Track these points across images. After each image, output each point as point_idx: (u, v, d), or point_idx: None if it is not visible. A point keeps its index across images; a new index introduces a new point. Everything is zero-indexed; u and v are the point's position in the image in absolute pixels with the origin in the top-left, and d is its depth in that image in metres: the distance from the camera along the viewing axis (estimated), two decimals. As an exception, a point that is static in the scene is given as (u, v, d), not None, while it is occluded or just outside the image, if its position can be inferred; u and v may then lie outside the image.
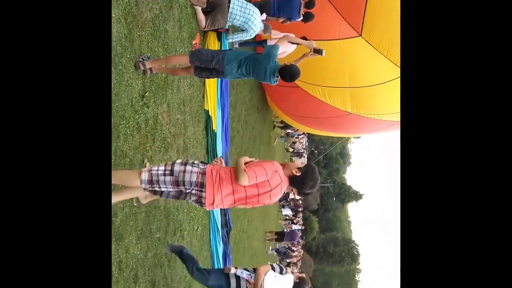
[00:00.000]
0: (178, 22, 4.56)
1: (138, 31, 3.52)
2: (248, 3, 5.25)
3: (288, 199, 23.20)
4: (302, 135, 26.95)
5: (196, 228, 5.24)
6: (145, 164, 3.50)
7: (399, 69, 5.91)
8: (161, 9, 4.04)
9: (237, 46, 6.92)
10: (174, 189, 2.63)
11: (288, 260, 18.85)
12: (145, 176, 2.58)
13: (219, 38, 6.02)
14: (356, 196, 66.93)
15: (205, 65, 3.86)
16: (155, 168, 2.62)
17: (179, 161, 2.65)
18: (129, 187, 2.77)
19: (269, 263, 4.08)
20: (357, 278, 69.35)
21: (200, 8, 5.04)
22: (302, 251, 23.26)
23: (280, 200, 20.61)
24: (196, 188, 2.56)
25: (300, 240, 19.86)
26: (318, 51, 3.92)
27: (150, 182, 2.58)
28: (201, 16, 5.13)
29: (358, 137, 52.98)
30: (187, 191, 2.61)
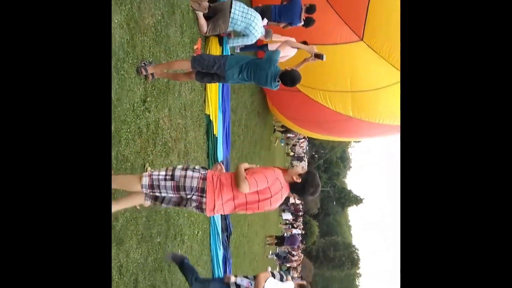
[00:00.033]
0: (180, 28, 4.59)
1: (140, 36, 3.54)
2: (250, 8, 5.28)
3: (289, 204, 23.18)
4: (303, 139, 26.97)
5: (196, 233, 5.24)
6: (146, 168, 3.51)
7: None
8: (163, 15, 4.06)
9: (238, 50, 6.95)
10: (174, 195, 2.63)
11: (288, 265, 18.81)
12: (145, 181, 2.59)
13: (221, 43, 6.05)
14: (357, 201, 66.79)
15: (206, 70, 3.89)
16: (156, 173, 2.62)
17: (180, 166, 2.66)
18: (129, 196, 2.77)
19: (269, 270, 4.08)
20: (357, 283, 69.10)
21: (202, 13, 5.07)
22: (302, 255, 23.20)
23: (280, 205, 20.65)
24: (196, 193, 2.57)
25: (300, 245, 19.83)
26: (319, 56, 3.94)
27: (151, 186, 2.59)
28: (203, 22, 5.16)
29: (358, 141, 53.00)
30: (188, 196, 2.61)
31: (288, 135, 21.44)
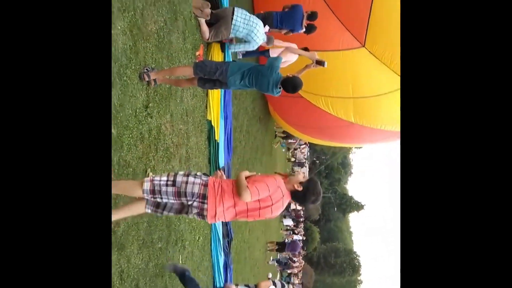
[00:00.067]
0: (182, 34, 4.62)
1: (143, 42, 3.57)
2: (252, 15, 5.31)
3: (290, 210, 23.13)
4: (304, 145, 26.98)
5: (197, 238, 5.24)
6: (148, 173, 3.53)
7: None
8: (166, 21, 4.09)
9: (240, 56, 6.99)
10: (175, 201, 2.63)
11: (289, 271, 18.73)
12: (147, 186, 2.59)
13: (223, 50, 6.08)
14: (358, 207, 66.62)
15: (208, 76, 3.91)
16: (158, 178, 2.63)
17: (181, 172, 2.67)
18: (130, 204, 2.78)
19: (271, 279, 4.07)
20: (358, 290, 68.73)
21: (204, 20, 5.11)
22: (303, 261, 23.11)
23: (281, 210, 20.60)
24: (198, 199, 2.57)
25: (301, 251, 19.76)
26: (320, 63, 3.96)
27: (152, 192, 2.60)
28: (205, 28, 5.19)
29: (359, 147, 52.95)
30: (189, 202, 2.61)
31: (289, 140, 21.46)
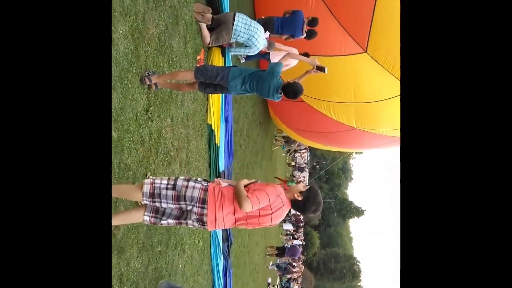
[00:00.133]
0: (183, 38, 4.65)
1: (144, 47, 3.60)
2: (252, 20, 5.34)
3: (289, 214, 23.10)
4: (304, 150, 26.99)
5: (197, 242, 5.24)
6: (148, 177, 3.53)
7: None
8: (167, 26, 4.12)
9: (243, 60, 7.01)
10: (174, 206, 2.62)
11: (288, 276, 18.69)
12: (147, 188, 2.59)
13: (223, 54, 6.11)
14: (358, 212, 66.54)
15: (209, 81, 3.93)
16: (158, 181, 2.63)
17: (182, 177, 2.68)
18: (128, 212, 2.77)
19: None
20: (358, 295, 68.44)
21: (205, 24, 5.14)
22: (303, 266, 23.05)
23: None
24: (197, 204, 2.56)
25: (301, 256, 19.71)
26: (320, 69, 3.98)
27: (152, 195, 2.59)
28: (206, 33, 5.22)
29: (360, 153, 52.93)
30: (188, 207, 2.59)
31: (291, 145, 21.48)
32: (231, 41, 5.37)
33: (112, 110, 3.00)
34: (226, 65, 6.00)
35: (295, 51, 6.46)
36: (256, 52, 5.68)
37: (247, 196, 2.52)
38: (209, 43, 5.34)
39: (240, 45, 5.70)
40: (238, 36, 5.23)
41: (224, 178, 5.65)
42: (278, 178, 12.78)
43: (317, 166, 49.76)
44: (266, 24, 6.15)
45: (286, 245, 17.45)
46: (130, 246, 3.23)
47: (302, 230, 27.36)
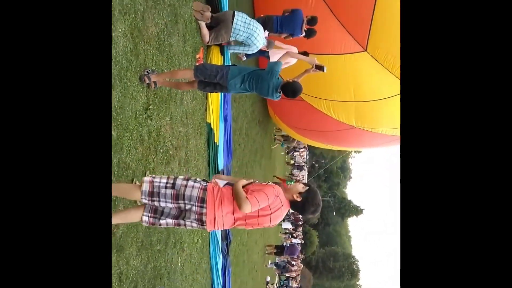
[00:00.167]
0: (183, 37, 4.64)
1: (143, 45, 3.59)
2: (252, 19, 5.34)
3: (288, 213, 23.11)
4: (303, 149, 27.01)
5: (196, 241, 5.24)
6: (147, 174, 3.53)
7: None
8: (166, 24, 4.12)
9: (244, 58, 6.99)
10: (173, 205, 2.61)
11: (287, 275, 18.71)
12: (146, 187, 2.59)
13: (222, 53, 6.11)
14: (357, 211, 66.63)
15: (209, 79, 3.93)
16: (157, 179, 2.63)
17: (181, 176, 2.68)
18: (127, 211, 2.77)
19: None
20: (356, 294, 68.58)
21: (204, 23, 5.13)
22: (302, 265, 23.08)
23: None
24: (196, 203, 2.56)
25: (300, 255, 19.74)
26: (319, 68, 3.97)
27: (151, 194, 2.59)
28: (205, 31, 5.22)
29: (359, 152, 53.01)
30: (187, 207, 2.59)
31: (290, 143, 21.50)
32: (230, 39, 5.36)
33: (112, 109, 3.00)
34: (225, 64, 6.00)
35: (294, 49, 6.46)
36: (255, 51, 5.68)
37: (246, 197, 2.51)
38: (208, 42, 5.33)
39: (239, 43, 5.70)
40: (237, 34, 5.22)
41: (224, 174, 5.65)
42: (277, 177, 12.78)
43: (316, 165, 49.78)
44: (265, 23, 6.15)
45: (285, 243, 17.47)
46: (130, 245, 3.23)
47: (301, 228, 27.39)
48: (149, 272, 3.61)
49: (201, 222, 2.59)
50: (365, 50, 7.11)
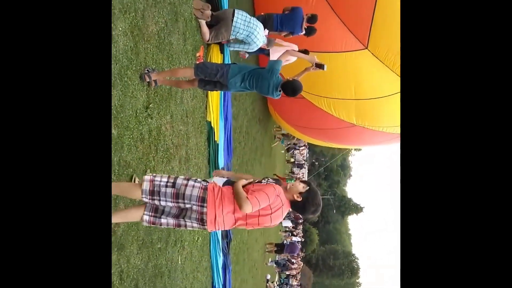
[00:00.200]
0: (183, 35, 4.64)
1: (143, 44, 3.59)
2: (252, 17, 5.33)
3: (289, 211, 23.13)
4: (303, 147, 27.00)
5: (196, 239, 5.25)
6: (147, 173, 3.53)
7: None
8: (167, 23, 4.11)
9: (247, 56, 6.97)
10: (173, 204, 2.61)
11: (287, 273, 18.75)
12: (146, 186, 2.59)
13: (222, 51, 6.10)
14: (357, 209, 66.66)
15: (209, 78, 3.93)
16: (158, 178, 2.63)
17: (182, 176, 2.68)
18: (127, 210, 2.78)
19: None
20: (357, 292, 68.70)
21: (205, 21, 5.13)
22: (302, 263, 23.12)
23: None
24: (197, 203, 2.56)
25: (300, 253, 19.78)
26: (320, 66, 3.98)
27: (151, 193, 2.59)
28: (205, 29, 5.21)
29: (359, 149, 53.01)
30: (187, 206, 2.59)
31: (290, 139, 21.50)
32: (230, 38, 5.36)
33: (112, 107, 3.00)
34: (226, 62, 6.00)
35: (294, 47, 6.46)
36: (255, 49, 5.67)
37: (247, 197, 2.51)
38: (208, 40, 5.33)
39: (240, 41, 5.69)
40: (238, 33, 5.22)
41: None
42: (277, 176, 12.79)
43: (316, 163, 49.76)
44: (266, 21, 6.14)
45: (285, 241, 17.49)
46: (130, 243, 3.24)
47: (301, 227, 27.43)
48: (149, 270, 3.62)
49: (202, 222, 2.59)
50: (366, 48, 7.10)
